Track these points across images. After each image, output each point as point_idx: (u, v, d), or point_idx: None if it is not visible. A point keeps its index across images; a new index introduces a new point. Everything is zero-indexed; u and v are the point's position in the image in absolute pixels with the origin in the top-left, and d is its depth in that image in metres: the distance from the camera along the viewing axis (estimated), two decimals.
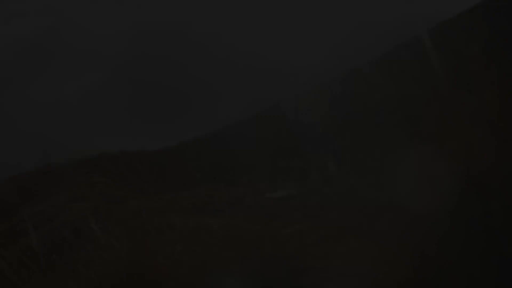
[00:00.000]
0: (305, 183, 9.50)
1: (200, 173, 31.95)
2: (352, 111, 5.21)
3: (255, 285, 3.98)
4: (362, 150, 4.54)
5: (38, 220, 20.17)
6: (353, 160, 4.47)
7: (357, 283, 2.93)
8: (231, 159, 34.43)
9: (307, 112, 5.37)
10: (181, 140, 44.14)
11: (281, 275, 4.55)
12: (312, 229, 5.63)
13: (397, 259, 2.83)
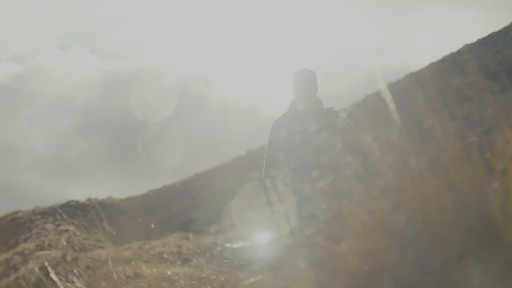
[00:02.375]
0: (268, 234, 9.66)
1: (167, 222, 31.81)
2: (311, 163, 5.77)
3: None
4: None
5: (4, 268, 20.06)
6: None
7: None
8: (197, 209, 34.27)
9: (272, 162, 6.09)
10: (149, 189, 43.54)
11: None
12: (273, 281, 5.72)
13: None
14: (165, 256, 17.58)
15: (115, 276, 6.81)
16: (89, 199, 37.36)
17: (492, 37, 32.43)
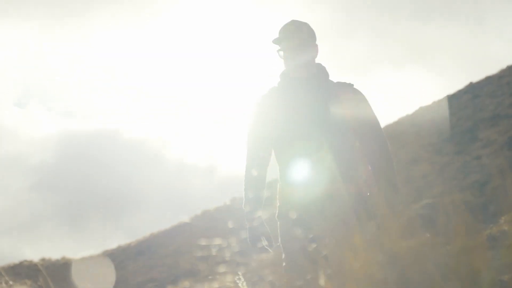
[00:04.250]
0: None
1: (123, 282, 31.30)
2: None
3: None
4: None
5: None
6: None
7: None
8: (152, 269, 33.80)
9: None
10: (104, 249, 42.91)
11: None
12: None
13: None
14: None
15: None
16: (43, 259, 36.74)
17: (448, 99, 32.93)
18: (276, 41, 4.42)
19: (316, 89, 4.37)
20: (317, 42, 4.50)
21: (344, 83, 4.40)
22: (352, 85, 4.42)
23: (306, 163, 4.21)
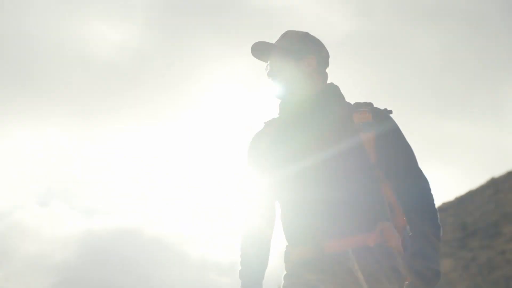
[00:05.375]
0: None
1: None
2: None
3: None
4: None
5: None
6: None
7: None
8: None
9: None
10: None
11: None
12: None
13: None
14: None
15: None
16: None
17: (470, 194, 32.86)
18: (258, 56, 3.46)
19: (322, 116, 3.31)
20: (324, 54, 3.45)
21: (364, 103, 3.34)
22: (373, 104, 3.34)
23: (315, 215, 3.18)
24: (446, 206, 34.25)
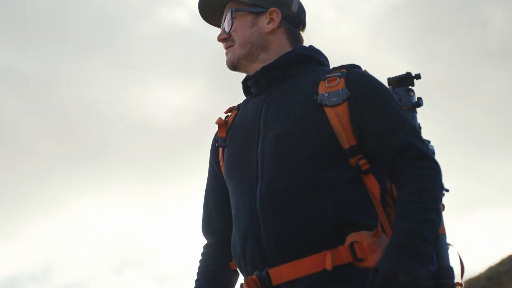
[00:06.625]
0: None
1: None
2: None
3: None
4: None
5: None
6: None
7: None
8: None
9: None
10: None
11: None
12: None
13: None
14: None
15: None
16: None
17: None
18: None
19: (281, 94, 2.46)
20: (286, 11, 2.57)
21: (339, 66, 2.44)
22: (353, 67, 2.43)
23: (255, 231, 2.35)
24: None
